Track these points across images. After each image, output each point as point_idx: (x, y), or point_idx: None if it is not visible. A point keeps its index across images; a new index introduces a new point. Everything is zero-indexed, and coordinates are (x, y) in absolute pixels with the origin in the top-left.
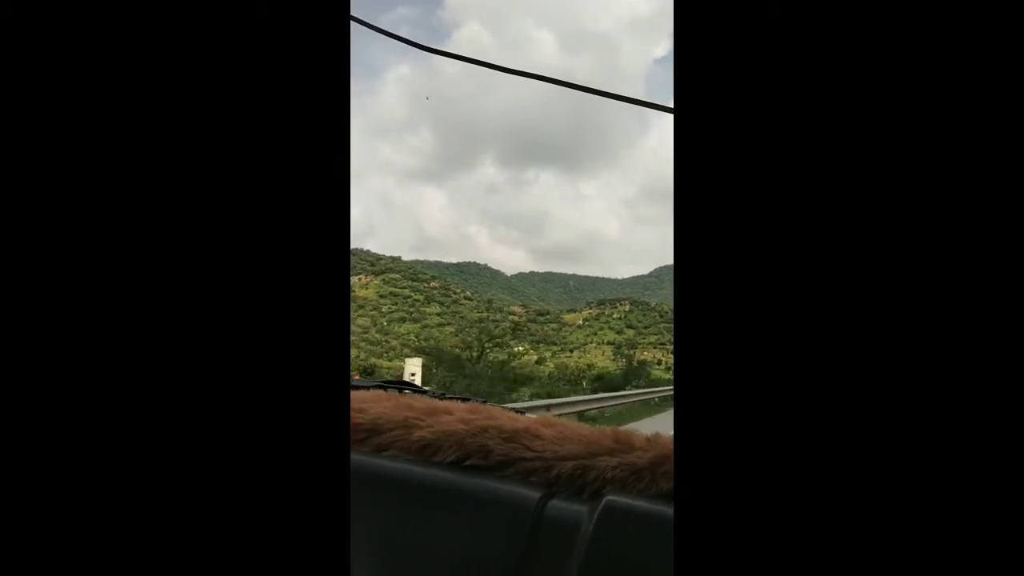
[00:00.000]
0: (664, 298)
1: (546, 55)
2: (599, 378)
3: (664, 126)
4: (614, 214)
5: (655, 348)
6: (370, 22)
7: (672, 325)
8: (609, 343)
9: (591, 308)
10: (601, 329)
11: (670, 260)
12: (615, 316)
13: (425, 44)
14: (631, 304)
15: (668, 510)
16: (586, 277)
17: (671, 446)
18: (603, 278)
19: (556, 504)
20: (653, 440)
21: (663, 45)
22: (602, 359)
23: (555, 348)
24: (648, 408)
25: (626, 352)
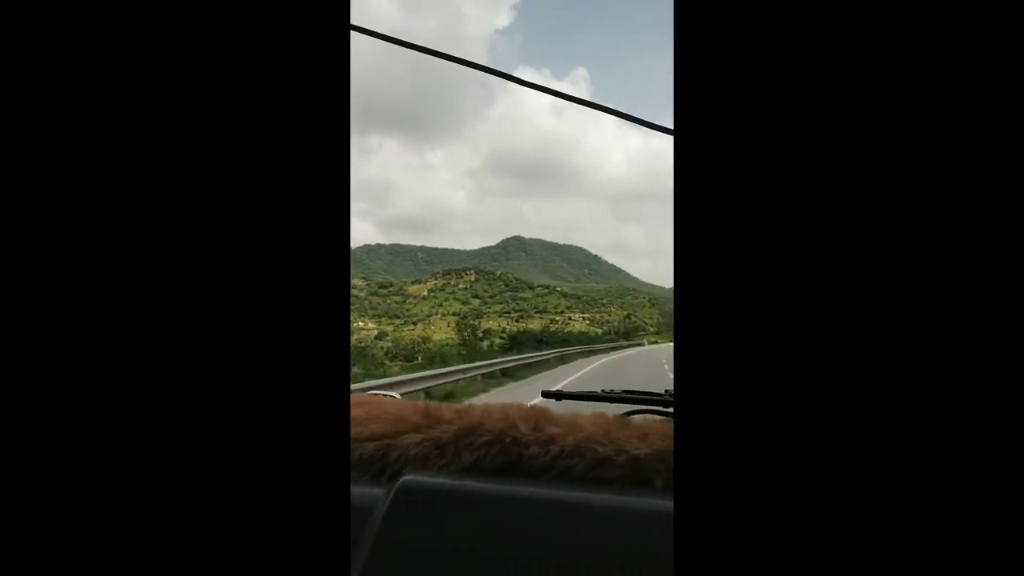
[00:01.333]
0: (509, 268)
1: (383, 13)
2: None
3: (509, 98)
4: (460, 185)
5: (499, 317)
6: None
7: (516, 293)
8: (454, 314)
9: (436, 279)
10: (447, 300)
11: (516, 232)
12: (460, 286)
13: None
14: (476, 274)
15: (468, 484)
16: (435, 249)
17: (480, 416)
18: (452, 250)
19: (352, 491)
20: (464, 411)
21: (505, 16)
22: (445, 331)
23: (398, 322)
24: None
25: (470, 322)
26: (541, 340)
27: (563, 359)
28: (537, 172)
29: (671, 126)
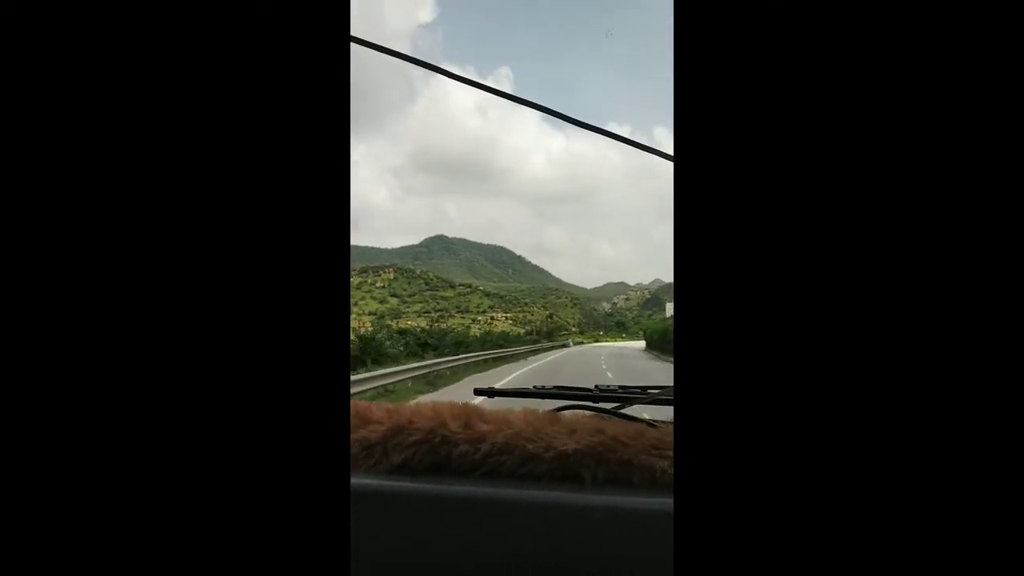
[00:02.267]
0: (432, 267)
1: None
2: None
3: (433, 94)
4: (383, 183)
5: (419, 316)
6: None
7: (436, 292)
8: (371, 313)
9: (353, 276)
10: (363, 299)
11: (440, 231)
12: (379, 285)
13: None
14: (396, 272)
15: (397, 484)
16: (355, 247)
17: (409, 415)
18: (373, 248)
19: None
20: (394, 410)
21: (428, 10)
22: (360, 331)
23: None
24: None
25: (387, 322)
26: (426, 343)
27: (432, 383)
28: (461, 171)
29: (638, 140)
